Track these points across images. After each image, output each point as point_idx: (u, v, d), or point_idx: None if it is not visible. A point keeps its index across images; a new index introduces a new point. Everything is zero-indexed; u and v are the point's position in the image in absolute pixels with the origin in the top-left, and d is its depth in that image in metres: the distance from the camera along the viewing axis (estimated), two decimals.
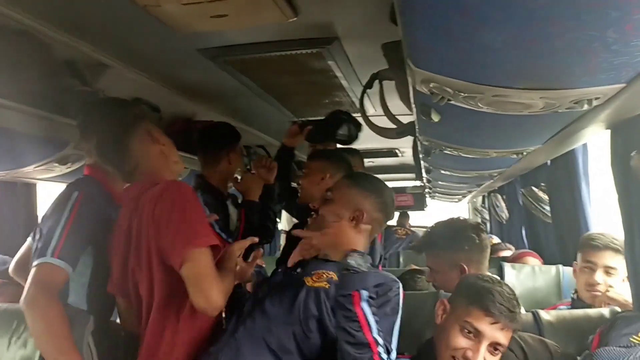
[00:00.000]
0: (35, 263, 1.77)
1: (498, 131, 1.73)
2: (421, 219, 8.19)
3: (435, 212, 8.01)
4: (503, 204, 4.46)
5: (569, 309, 2.29)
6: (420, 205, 7.28)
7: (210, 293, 1.61)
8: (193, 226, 1.69)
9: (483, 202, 6.21)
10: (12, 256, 2.09)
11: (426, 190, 6.42)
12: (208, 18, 1.79)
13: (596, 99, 1.16)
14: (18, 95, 1.71)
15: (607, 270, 2.19)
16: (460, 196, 6.25)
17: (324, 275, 1.67)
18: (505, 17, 0.87)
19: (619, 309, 1.91)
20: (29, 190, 2.58)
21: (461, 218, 2.28)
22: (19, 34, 1.77)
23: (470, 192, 5.34)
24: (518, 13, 0.86)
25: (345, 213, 1.81)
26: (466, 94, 1.17)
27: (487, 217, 5.81)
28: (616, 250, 2.18)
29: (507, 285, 1.67)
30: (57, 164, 2.14)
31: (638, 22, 0.84)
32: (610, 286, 2.16)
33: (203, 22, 1.84)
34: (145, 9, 1.69)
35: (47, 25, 1.82)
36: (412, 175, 6.71)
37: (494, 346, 1.57)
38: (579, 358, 1.66)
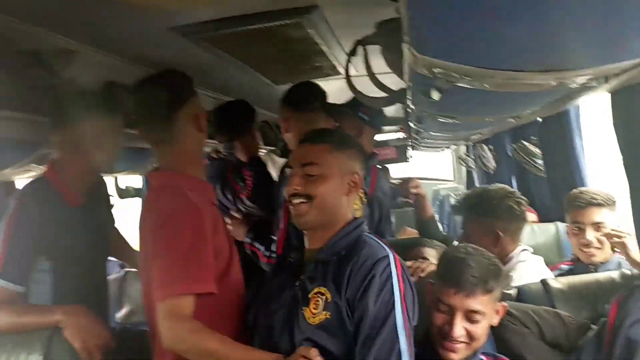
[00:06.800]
0: None
1: (497, 102, 1.65)
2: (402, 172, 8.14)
3: (418, 163, 7.96)
4: (490, 155, 4.43)
5: (571, 268, 2.30)
6: (403, 157, 7.20)
7: (177, 335, 1.53)
8: (178, 267, 1.57)
9: (467, 150, 6.18)
10: None
11: (410, 142, 6.36)
12: None
13: (615, 75, 1.09)
14: None
15: (597, 227, 2.19)
16: (445, 147, 6.22)
17: (320, 301, 1.50)
18: (520, 6, 0.79)
19: (628, 272, 1.90)
20: (8, 189, 2.46)
21: (501, 186, 2.24)
22: None
23: (456, 144, 5.31)
24: (534, 2, 0.78)
25: (342, 184, 1.60)
26: (474, 78, 1.09)
27: (473, 165, 5.77)
28: (599, 205, 2.19)
29: (486, 254, 1.64)
30: (34, 164, 2.02)
31: None
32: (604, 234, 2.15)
33: (176, 1, 1.71)
34: None
35: (5, 16, 1.69)
36: (394, 128, 6.65)
37: (469, 315, 1.55)
38: (593, 327, 1.64)
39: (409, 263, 1.99)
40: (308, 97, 2.50)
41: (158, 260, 1.60)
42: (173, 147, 1.77)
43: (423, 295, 1.72)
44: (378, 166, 3.09)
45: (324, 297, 1.49)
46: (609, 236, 2.10)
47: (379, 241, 1.58)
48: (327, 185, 1.57)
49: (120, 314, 2.85)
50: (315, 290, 1.52)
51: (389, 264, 1.48)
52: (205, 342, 1.51)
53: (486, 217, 2.15)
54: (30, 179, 1.98)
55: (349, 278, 1.47)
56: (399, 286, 1.45)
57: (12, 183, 2.50)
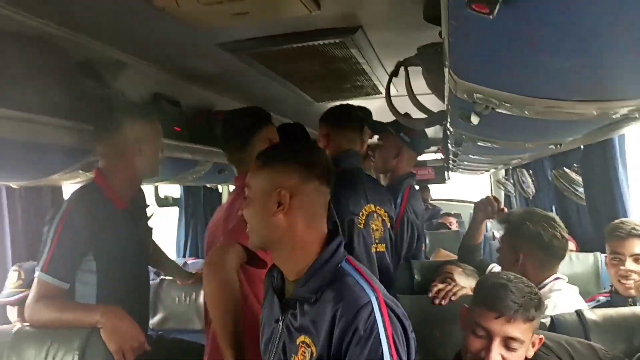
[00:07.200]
0: (35, 274, 1.81)
1: (538, 128, 1.64)
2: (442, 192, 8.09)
3: (456, 184, 7.90)
4: (529, 180, 4.35)
5: (608, 300, 2.24)
6: (441, 178, 7.14)
7: (210, 265, 1.75)
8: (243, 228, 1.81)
9: (506, 174, 6.09)
10: None
11: (448, 164, 6.31)
12: (229, 16, 1.72)
13: None
14: (38, 106, 1.66)
15: (637, 258, 2.13)
16: (484, 170, 6.14)
17: (307, 354, 1.36)
18: (564, 38, 0.79)
19: None
20: (54, 193, 2.55)
21: (547, 214, 2.20)
22: (35, 40, 1.72)
23: (495, 168, 5.24)
24: (578, 35, 0.78)
25: (266, 204, 1.39)
26: (514, 105, 1.10)
27: (512, 190, 5.68)
28: None
29: (527, 282, 1.58)
30: (82, 171, 2.10)
31: None
32: None
33: (224, 20, 1.78)
34: (163, 11, 1.62)
35: (63, 28, 1.78)
36: (432, 149, 6.60)
37: (507, 342, 1.51)
38: None
39: (440, 285, 1.98)
40: (347, 116, 2.61)
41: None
42: (247, 167, 1.98)
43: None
44: (416, 186, 3.08)
45: (309, 349, 1.37)
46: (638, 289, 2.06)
47: (360, 278, 1.40)
48: (249, 207, 1.44)
49: (154, 320, 2.91)
50: (302, 339, 1.39)
51: (372, 311, 1.32)
52: (212, 288, 1.73)
53: (513, 233, 2.13)
54: (80, 185, 2.07)
55: (331, 330, 1.34)
56: (387, 333, 1.31)
57: (60, 188, 2.59)
